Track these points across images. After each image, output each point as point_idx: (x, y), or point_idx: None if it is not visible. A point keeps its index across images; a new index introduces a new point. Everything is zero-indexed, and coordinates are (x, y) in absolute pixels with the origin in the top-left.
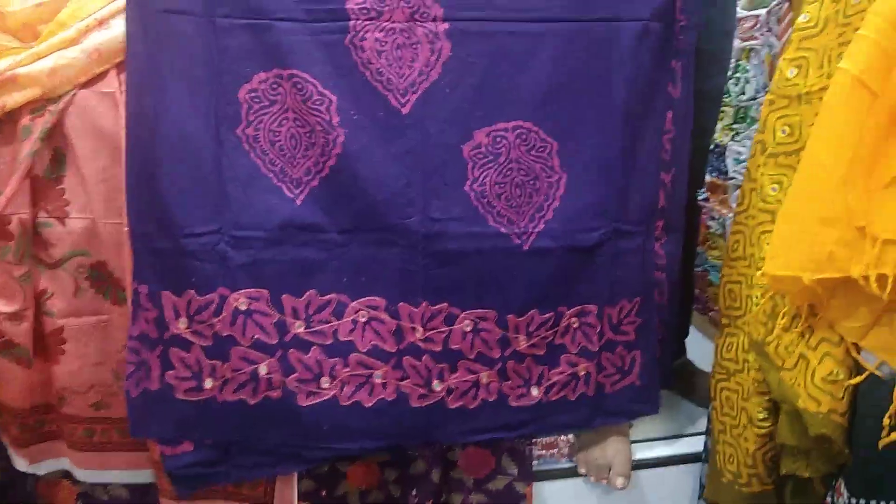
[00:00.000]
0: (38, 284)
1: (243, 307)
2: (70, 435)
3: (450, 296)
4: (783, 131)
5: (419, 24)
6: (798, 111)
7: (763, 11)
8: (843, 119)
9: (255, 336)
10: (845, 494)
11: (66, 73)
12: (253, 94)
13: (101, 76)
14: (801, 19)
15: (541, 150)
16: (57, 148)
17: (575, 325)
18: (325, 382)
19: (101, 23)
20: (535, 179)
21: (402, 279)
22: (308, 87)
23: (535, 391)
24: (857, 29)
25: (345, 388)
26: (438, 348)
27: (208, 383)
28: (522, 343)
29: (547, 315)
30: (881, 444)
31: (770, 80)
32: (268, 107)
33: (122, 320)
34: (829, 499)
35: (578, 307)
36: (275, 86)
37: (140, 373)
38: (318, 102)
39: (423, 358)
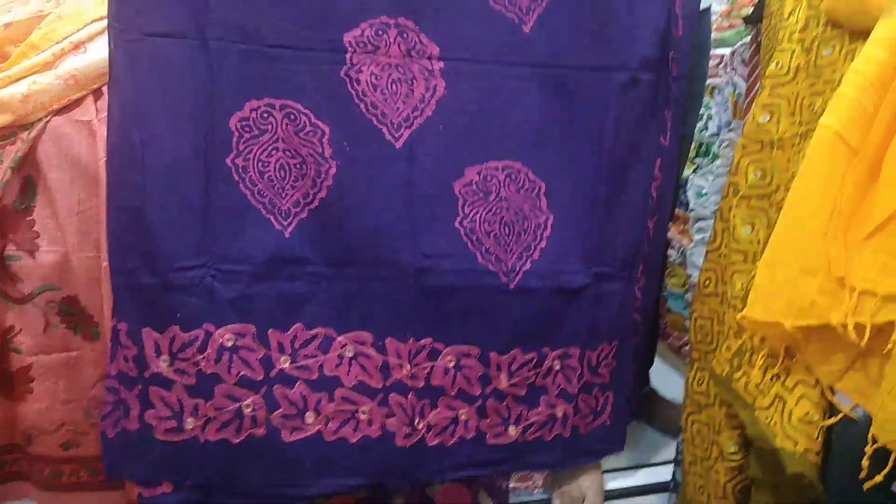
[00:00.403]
0: (5, 320)
1: (229, 343)
2: (38, 475)
3: (435, 331)
4: (755, 174)
5: (415, 60)
6: (770, 156)
7: (727, 51)
8: (825, 173)
9: (241, 373)
10: None
11: (40, 99)
12: (244, 123)
13: (77, 103)
14: (773, 67)
15: (529, 190)
16: (28, 177)
17: (557, 368)
18: (309, 417)
19: (77, 46)
20: (523, 219)
21: (389, 313)
22: (301, 118)
23: (512, 430)
24: (828, 80)
25: (329, 424)
26: (421, 384)
27: (190, 423)
28: (503, 382)
29: (530, 355)
30: (867, 486)
31: (733, 116)
32: (258, 136)
33: (93, 356)
34: None
35: (562, 349)
36: (265, 115)
37: (118, 412)
38: (310, 133)
39: (409, 395)
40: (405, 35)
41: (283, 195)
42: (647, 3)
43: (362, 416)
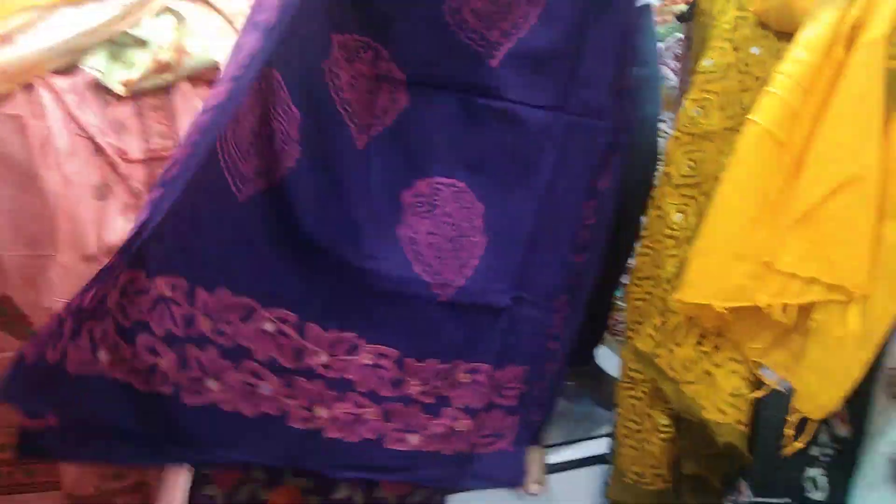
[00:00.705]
0: None
1: (167, 293)
2: None
3: (359, 326)
4: (688, 165)
5: (382, 80)
6: (701, 147)
7: (660, 45)
8: (753, 166)
9: (168, 327)
10: (747, 492)
11: None
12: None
13: (5, 97)
14: (705, 63)
15: (469, 210)
16: None
17: (466, 381)
18: (212, 384)
19: (4, 39)
20: (462, 236)
21: (318, 300)
22: (279, 93)
23: (413, 439)
24: (757, 77)
25: (230, 395)
26: (334, 375)
27: (102, 356)
28: (414, 388)
29: (443, 366)
30: (786, 451)
31: (664, 108)
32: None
33: None
34: (730, 496)
35: (473, 364)
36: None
37: (45, 341)
38: (284, 111)
39: (316, 382)
40: (377, 60)
41: (248, 161)
42: (606, 55)
43: (264, 392)
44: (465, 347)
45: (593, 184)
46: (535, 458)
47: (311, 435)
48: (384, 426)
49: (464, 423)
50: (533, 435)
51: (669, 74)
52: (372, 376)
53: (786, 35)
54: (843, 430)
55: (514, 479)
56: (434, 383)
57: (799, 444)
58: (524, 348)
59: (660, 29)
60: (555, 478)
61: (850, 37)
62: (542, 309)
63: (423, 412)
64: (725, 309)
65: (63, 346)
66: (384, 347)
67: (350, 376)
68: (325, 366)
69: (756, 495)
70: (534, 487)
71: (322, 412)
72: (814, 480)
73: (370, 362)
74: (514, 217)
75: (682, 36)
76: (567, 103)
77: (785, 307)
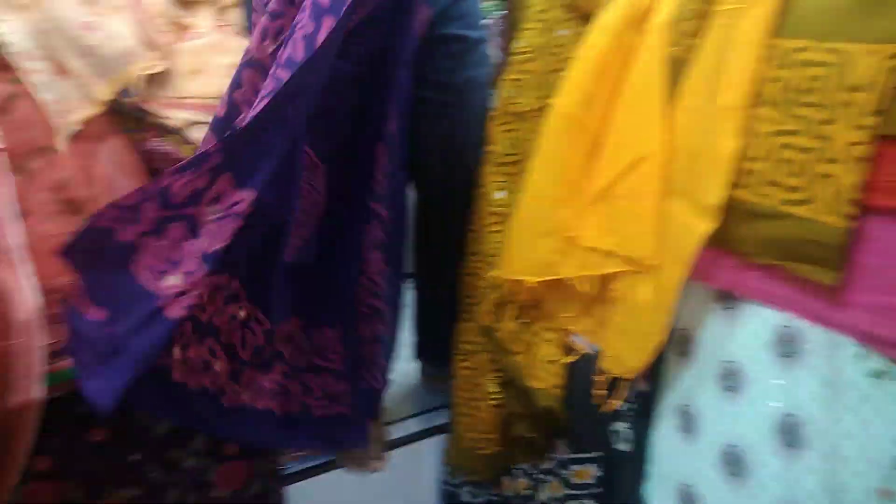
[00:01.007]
0: None
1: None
2: None
3: (240, 276)
4: (507, 145)
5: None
6: (519, 127)
7: (486, 22)
8: (556, 148)
9: None
10: (563, 449)
11: None
12: None
13: None
14: (517, 44)
15: (314, 169)
16: None
17: (287, 337)
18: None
19: None
20: (311, 195)
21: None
22: None
23: (245, 395)
24: (563, 58)
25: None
26: (204, 318)
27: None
28: (268, 354)
29: (279, 326)
30: (605, 409)
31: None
32: None
33: None
34: (551, 454)
35: (293, 319)
36: None
37: (120, 216)
38: None
39: (188, 327)
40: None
41: None
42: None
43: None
44: (297, 305)
45: (383, 126)
46: (376, 436)
47: (156, 373)
48: (228, 385)
49: (291, 383)
50: (371, 403)
51: (495, 53)
52: (238, 332)
53: (589, 17)
54: (643, 386)
55: (356, 441)
56: (280, 347)
57: (615, 403)
58: (339, 307)
59: (484, 6)
60: (399, 452)
61: (641, 22)
62: (350, 265)
63: (258, 370)
64: (537, 283)
65: (139, 233)
66: (260, 313)
67: (217, 322)
68: (199, 307)
69: (572, 451)
70: (375, 464)
71: (176, 352)
72: (619, 434)
73: (243, 316)
74: (340, 172)
75: (504, 14)
76: (386, 56)
77: (588, 279)
